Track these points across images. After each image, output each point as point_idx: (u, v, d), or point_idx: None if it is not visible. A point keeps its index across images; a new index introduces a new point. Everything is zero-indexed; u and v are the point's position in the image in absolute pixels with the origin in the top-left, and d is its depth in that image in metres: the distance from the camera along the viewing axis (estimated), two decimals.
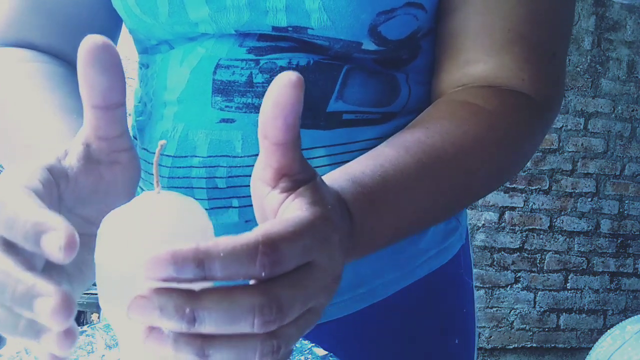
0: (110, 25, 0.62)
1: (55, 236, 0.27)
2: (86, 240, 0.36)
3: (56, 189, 0.34)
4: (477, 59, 0.53)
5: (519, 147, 0.52)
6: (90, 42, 0.33)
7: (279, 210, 0.34)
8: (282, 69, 0.52)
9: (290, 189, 0.33)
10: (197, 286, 0.27)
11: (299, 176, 0.34)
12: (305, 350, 0.47)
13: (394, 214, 0.43)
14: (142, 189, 0.62)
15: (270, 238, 0.28)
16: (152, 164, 0.57)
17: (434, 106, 0.53)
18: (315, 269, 0.30)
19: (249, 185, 0.53)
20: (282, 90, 0.30)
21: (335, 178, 0.40)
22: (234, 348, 0.27)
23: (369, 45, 0.52)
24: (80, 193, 0.36)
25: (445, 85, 0.55)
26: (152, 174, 0.57)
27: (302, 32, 0.51)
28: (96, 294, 0.33)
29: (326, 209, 0.33)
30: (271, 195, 0.34)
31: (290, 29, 0.51)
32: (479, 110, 0.50)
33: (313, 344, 0.48)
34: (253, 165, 0.51)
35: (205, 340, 0.27)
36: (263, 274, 0.27)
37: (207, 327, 0.27)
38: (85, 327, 0.48)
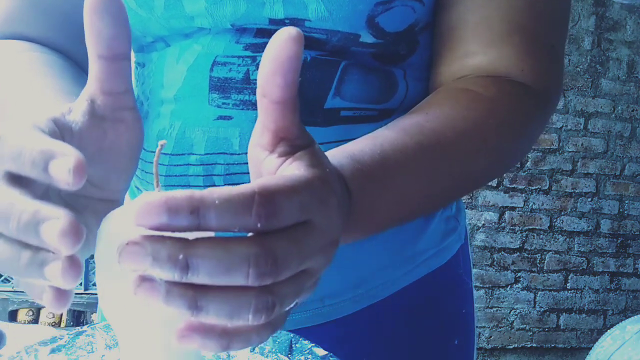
0: None
1: (64, 160, 0.27)
2: (91, 203, 0.36)
3: (61, 139, 0.33)
4: (477, 51, 0.53)
5: (518, 135, 0.52)
6: None
7: (276, 173, 0.33)
8: None
9: (289, 153, 0.33)
10: (190, 236, 0.27)
11: (297, 141, 0.33)
12: (305, 350, 0.47)
13: (393, 192, 0.42)
14: (139, 189, 0.62)
15: (267, 189, 0.27)
16: (149, 162, 0.57)
17: (434, 94, 0.53)
18: (312, 228, 0.30)
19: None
20: (282, 44, 0.30)
21: (334, 155, 0.39)
22: (227, 301, 0.27)
23: (366, 37, 0.52)
24: (85, 149, 0.35)
25: (444, 78, 0.55)
26: (150, 173, 0.57)
27: (299, 25, 0.51)
28: (96, 294, 0.33)
29: (325, 172, 0.33)
30: (269, 160, 0.34)
31: (287, 21, 0.51)
32: (479, 96, 0.50)
33: (313, 344, 0.48)
34: None
35: (198, 291, 0.26)
36: (259, 225, 0.27)
37: (201, 276, 0.26)
38: (85, 327, 0.48)
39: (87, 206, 0.36)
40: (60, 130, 0.33)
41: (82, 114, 0.35)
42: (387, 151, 0.42)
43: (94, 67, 0.35)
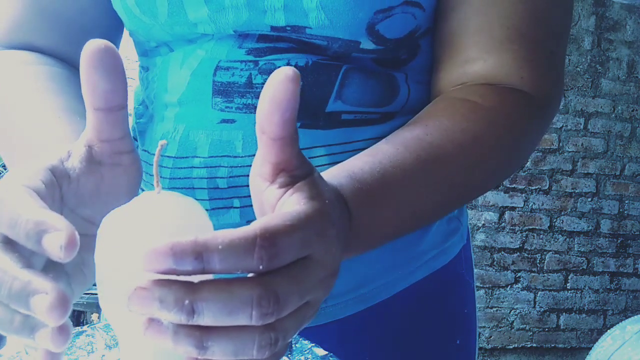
0: (112, 29, 0.62)
1: (57, 235, 0.28)
2: (87, 241, 0.36)
3: (58, 189, 0.35)
4: (477, 58, 0.53)
5: (518, 144, 0.52)
6: (93, 45, 0.33)
7: (276, 205, 0.34)
8: None
9: (288, 184, 0.34)
10: (194, 279, 0.28)
11: (297, 171, 0.34)
12: (305, 350, 0.47)
13: (393, 210, 0.43)
14: (141, 189, 0.62)
15: (268, 231, 0.28)
16: (152, 164, 0.57)
17: (432, 104, 0.53)
18: (313, 263, 0.30)
19: None
20: (279, 85, 0.31)
21: (334, 174, 0.40)
22: (232, 340, 0.28)
23: (367, 44, 0.52)
24: (82, 194, 0.36)
25: (445, 84, 0.55)
26: (152, 174, 0.57)
27: (300, 32, 0.51)
28: (96, 294, 0.33)
29: (324, 204, 0.33)
30: (269, 190, 0.34)
31: (288, 28, 0.51)
32: (478, 107, 0.50)
33: (313, 344, 0.48)
34: None
35: (204, 332, 0.27)
36: (261, 267, 0.28)
37: (206, 318, 0.27)
38: (85, 327, 0.48)
39: (85, 244, 0.37)
40: (58, 179, 0.35)
41: (79, 159, 0.36)
42: (386, 168, 0.42)
43: (91, 117, 0.36)
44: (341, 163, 0.43)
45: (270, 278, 0.28)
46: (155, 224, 0.31)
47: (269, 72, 0.52)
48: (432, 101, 0.54)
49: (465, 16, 0.53)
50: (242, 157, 0.52)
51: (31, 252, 0.31)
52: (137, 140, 0.61)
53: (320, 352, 0.47)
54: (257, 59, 0.53)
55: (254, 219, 0.53)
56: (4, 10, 0.59)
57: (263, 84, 0.52)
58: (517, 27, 0.52)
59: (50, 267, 0.34)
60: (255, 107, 0.53)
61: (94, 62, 0.33)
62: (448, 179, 0.47)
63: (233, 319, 0.27)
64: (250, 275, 0.28)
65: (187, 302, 0.26)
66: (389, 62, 0.55)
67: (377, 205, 0.41)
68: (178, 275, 0.27)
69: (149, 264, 0.26)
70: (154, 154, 0.57)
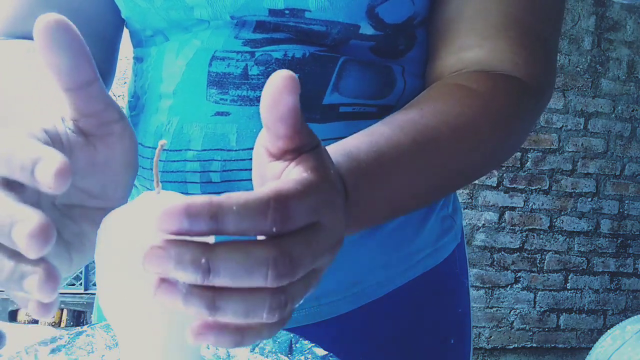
0: (115, 20, 0.62)
1: (48, 164, 0.27)
2: (85, 212, 0.36)
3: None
4: (472, 44, 0.53)
5: (512, 129, 0.53)
6: (43, 23, 0.31)
7: (281, 175, 0.34)
8: (278, 61, 0.53)
9: (294, 158, 0.34)
10: (208, 240, 0.28)
11: (304, 147, 0.34)
12: (305, 350, 0.47)
13: (388, 189, 0.43)
14: (136, 186, 0.62)
15: (281, 195, 0.28)
16: (146, 158, 0.57)
17: (428, 89, 0.53)
18: (322, 229, 0.31)
19: (244, 180, 0.53)
20: (278, 95, 0.31)
21: (331, 152, 0.40)
22: (244, 301, 0.28)
23: (366, 28, 0.52)
24: (77, 165, 0.35)
25: (440, 72, 0.56)
26: (147, 169, 0.57)
27: (299, 16, 0.51)
28: (96, 294, 0.33)
29: (329, 173, 0.34)
30: (274, 163, 0.35)
31: (287, 12, 0.51)
32: (473, 93, 0.50)
33: (313, 344, 0.48)
34: (248, 159, 0.51)
35: (216, 292, 0.27)
36: (274, 229, 0.28)
37: (222, 278, 0.27)
38: (85, 327, 0.48)
39: (85, 215, 0.36)
40: (53, 142, 0.33)
41: (70, 131, 0.35)
42: (382, 148, 0.43)
43: (65, 98, 0.34)
44: (337, 142, 0.43)
45: (284, 240, 0.28)
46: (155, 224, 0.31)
47: (265, 63, 0.52)
48: (428, 87, 0.54)
49: (461, 3, 0.54)
50: (236, 150, 0.52)
51: (32, 197, 0.31)
52: None
53: (320, 352, 0.47)
54: (254, 49, 0.53)
55: None
56: (9, 2, 0.59)
57: (259, 75, 0.52)
58: (512, 13, 0.53)
59: None
60: (250, 99, 0.53)
61: (49, 43, 0.31)
62: (443, 161, 0.47)
63: (249, 279, 0.27)
64: (260, 237, 0.28)
65: (203, 260, 0.26)
66: (386, 52, 0.56)
67: (372, 184, 0.41)
68: (191, 236, 0.27)
69: (164, 224, 0.26)
70: (147, 147, 0.57)
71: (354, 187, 0.39)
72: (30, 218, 0.26)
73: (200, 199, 0.27)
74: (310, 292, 0.31)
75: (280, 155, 0.34)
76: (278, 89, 0.30)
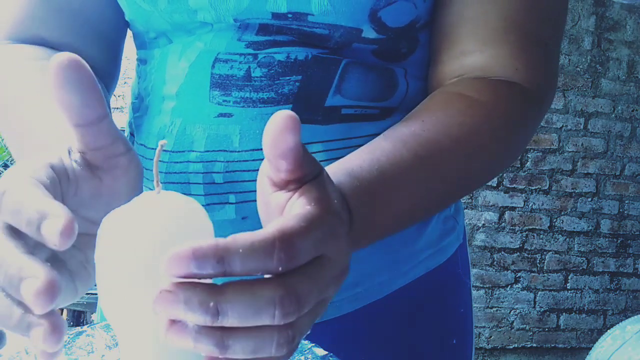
0: (118, 22, 0.62)
1: (55, 221, 0.28)
2: (90, 240, 0.36)
3: (59, 187, 0.35)
4: (473, 49, 0.53)
5: (513, 138, 0.53)
6: (56, 62, 0.32)
7: (286, 205, 0.34)
8: (280, 63, 0.53)
9: (297, 188, 0.34)
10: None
11: (306, 177, 0.34)
12: (305, 350, 0.47)
13: (391, 206, 0.43)
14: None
15: (286, 233, 0.29)
16: (149, 159, 0.57)
17: (429, 99, 0.53)
18: (327, 262, 0.31)
19: (247, 181, 0.53)
20: (280, 135, 0.31)
21: (333, 172, 0.40)
22: (252, 339, 0.28)
23: (369, 32, 0.52)
24: (82, 196, 0.36)
25: (442, 77, 0.56)
26: (149, 169, 0.57)
27: (302, 20, 0.51)
28: (96, 294, 0.33)
29: (332, 203, 0.34)
30: (278, 193, 0.35)
31: (290, 15, 0.51)
32: (474, 102, 0.50)
33: (313, 344, 0.48)
34: (251, 160, 0.50)
35: (225, 331, 0.28)
36: (280, 268, 0.28)
37: (230, 319, 0.27)
38: (85, 327, 0.48)
39: (90, 243, 0.36)
40: (59, 177, 0.34)
41: (77, 163, 0.36)
42: (384, 165, 0.43)
43: (74, 133, 0.35)
44: (339, 161, 0.43)
45: (290, 278, 0.29)
46: (155, 224, 0.31)
47: (267, 65, 0.53)
48: (429, 95, 0.54)
49: (462, 7, 0.54)
50: (238, 151, 0.52)
51: (35, 244, 0.32)
52: (134, 136, 0.61)
53: (320, 352, 0.47)
54: (256, 52, 0.53)
55: (250, 215, 0.54)
56: (13, 4, 0.59)
57: (261, 77, 0.52)
58: (513, 18, 0.53)
59: (53, 264, 0.34)
60: (253, 101, 0.54)
61: (61, 81, 0.32)
62: (446, 173, 0.47)
63: (256, 319, 0.28)
64: (267, 276, 0.29)
65: (212, 303, 0.27)
66: (389, 55, 0.56)
67: (376, 202, 0.41)
68: (199, 279, 0.28)
69: (172, 268, 0.27)
70: (150, 148, 0.57)
71: (358, 207, 0.40)
72: (37, 275, 0.27)
73: (206, 243, 0.27)
74: (316, 320, 0.32)
75: (283, 186, 0.35)
76: (279, 128, 0.31)
